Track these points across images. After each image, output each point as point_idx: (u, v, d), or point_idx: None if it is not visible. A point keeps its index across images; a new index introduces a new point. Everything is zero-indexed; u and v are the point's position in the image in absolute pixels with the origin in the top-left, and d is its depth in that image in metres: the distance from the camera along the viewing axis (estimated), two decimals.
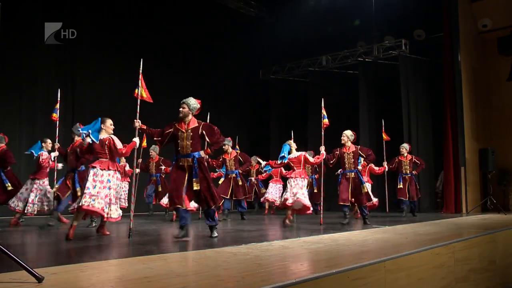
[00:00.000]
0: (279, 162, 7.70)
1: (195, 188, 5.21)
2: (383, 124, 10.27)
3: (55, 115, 7.73)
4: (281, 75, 14.52)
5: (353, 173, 7.82)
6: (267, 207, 11.47)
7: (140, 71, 5.70)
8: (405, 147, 9.89)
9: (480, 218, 8.87)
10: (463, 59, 11.26)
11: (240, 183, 9.02)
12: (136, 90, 5.71)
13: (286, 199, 7.45)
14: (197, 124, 5.40)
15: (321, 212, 7.90)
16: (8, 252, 2.68)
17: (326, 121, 7.88)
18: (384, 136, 10.17)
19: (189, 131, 5.33)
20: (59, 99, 7.73)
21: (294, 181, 7.50)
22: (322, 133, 7.82)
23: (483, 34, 12.36)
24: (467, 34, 11.61)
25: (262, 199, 11.42)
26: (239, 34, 14.00)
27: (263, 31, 14.59)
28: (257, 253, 3.85)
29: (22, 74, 9.95)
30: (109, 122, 5.73)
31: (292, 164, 7.63)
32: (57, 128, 7.71)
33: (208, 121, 9.14)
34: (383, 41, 12.36)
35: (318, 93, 11.47)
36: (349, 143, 7.84)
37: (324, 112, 7.91)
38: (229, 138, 8.85)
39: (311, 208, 7.65)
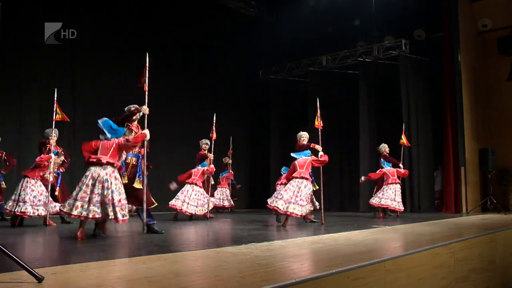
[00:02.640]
0: None
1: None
2: (403, 128, 10.19)
3: (62, 116, 7.65)
4: (281, 75, 14.51)
5: None
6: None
7: (147, 65, 5.89)
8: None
9: (480, 218, 8.86)
10: (463, 59, 11.26)
11: None
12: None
13: None
14: None
15: (322, 212, 7.90)
16: (8, 252, 2.68)
17: (317, 122, 7.85)
18: (404, 140, 10.11)
19: None
20: (55, 99, 7.61)
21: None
22: (319, 133, 7.80)
23: (483, 34, 12.35)
24: (467, 34, 11.61)
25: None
26: (239, 34, 13.99)
27: (263, 31, 14.58)
28: (257, 253, 3.85)
29: (22, 74, 9.94)
30: None
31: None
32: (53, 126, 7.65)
33: (214, 122, 9.40)
34: (383, 41, 12.35)
35: (318, 93, 11.42)
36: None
37: (318, 113, 7.88)
38: None
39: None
